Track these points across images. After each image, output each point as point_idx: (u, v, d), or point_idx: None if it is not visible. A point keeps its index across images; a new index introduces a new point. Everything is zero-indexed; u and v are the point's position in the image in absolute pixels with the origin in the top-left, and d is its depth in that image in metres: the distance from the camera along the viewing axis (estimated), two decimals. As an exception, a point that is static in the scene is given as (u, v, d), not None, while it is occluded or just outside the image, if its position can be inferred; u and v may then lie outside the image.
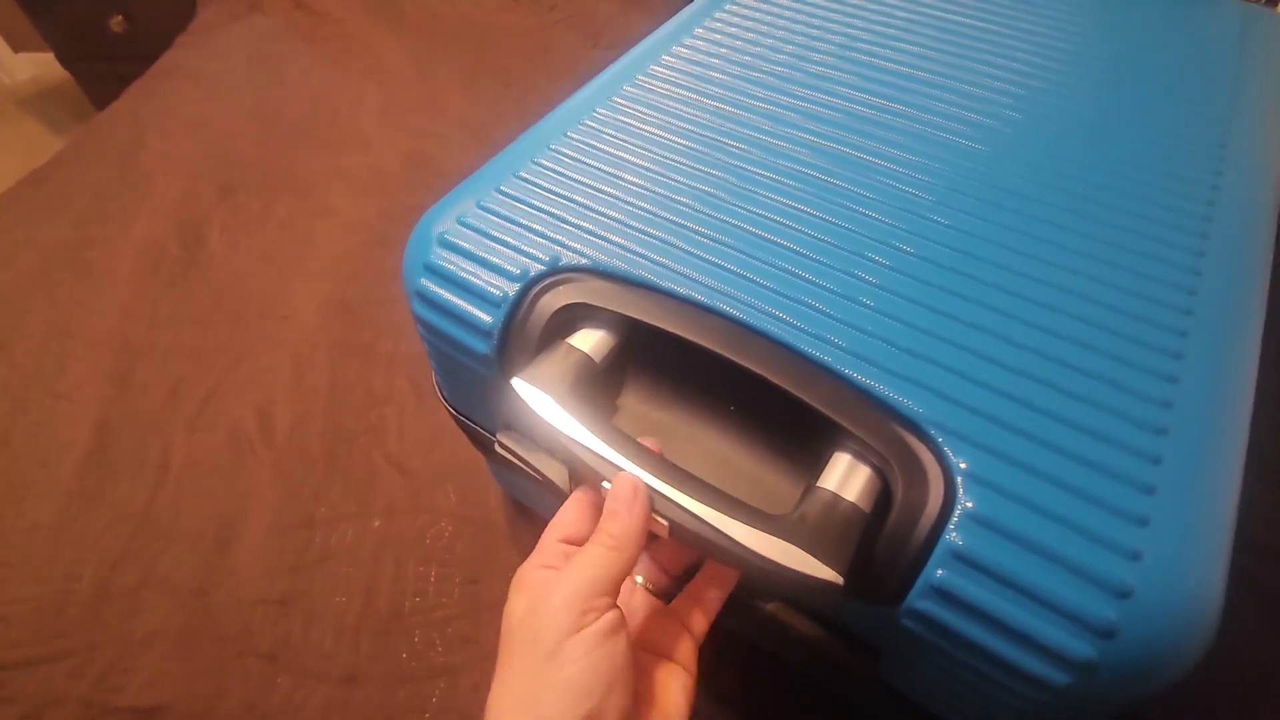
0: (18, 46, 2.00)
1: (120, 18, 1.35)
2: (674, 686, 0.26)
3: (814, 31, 0.45)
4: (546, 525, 0.28)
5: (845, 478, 0.26)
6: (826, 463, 0.27)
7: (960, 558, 0.24)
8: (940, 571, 0.24)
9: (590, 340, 0.31)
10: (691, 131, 0.38)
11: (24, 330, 0.66)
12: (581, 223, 0.34)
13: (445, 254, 0.34)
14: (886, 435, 0.26)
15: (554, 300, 0.32)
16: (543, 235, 0.34)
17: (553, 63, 0.92)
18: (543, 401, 0.28)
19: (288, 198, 0.79)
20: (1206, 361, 0.27)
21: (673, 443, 0.31)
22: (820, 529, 0.25)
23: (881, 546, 0.26)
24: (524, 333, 0.32)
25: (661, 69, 0.42)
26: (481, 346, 0.33)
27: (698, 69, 0.42)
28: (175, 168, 0.83)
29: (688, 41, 0.44)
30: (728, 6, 0.47)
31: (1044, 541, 0.23)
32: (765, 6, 0.47)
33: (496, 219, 0.35)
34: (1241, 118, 0.38)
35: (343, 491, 0.53)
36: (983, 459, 0.25)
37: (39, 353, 0.63)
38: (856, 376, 0.27)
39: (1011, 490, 0.24)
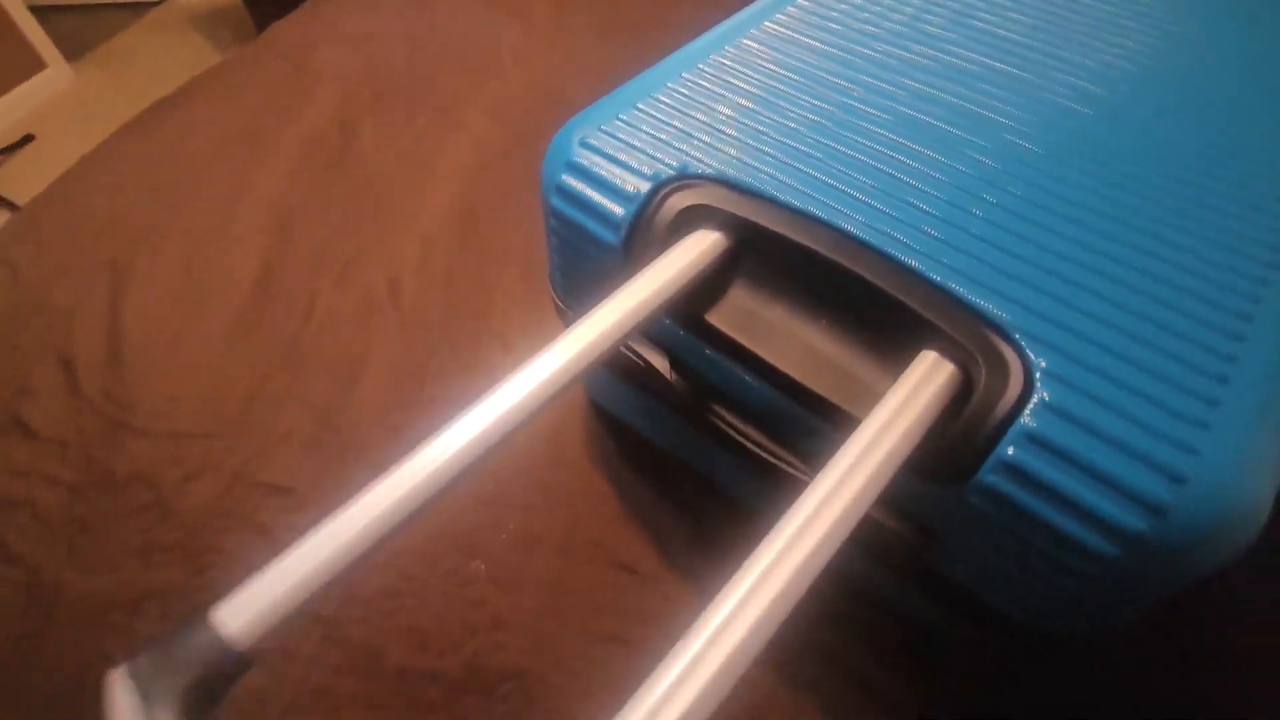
0: (196, -30, 2.09)
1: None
2: None
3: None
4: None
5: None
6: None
7: (1032, 438, 0.24)
8: (1012, 450, 0.25)
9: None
10: (810, 71, 0.38)
11: (204, 188, 0.71)
12: (707, 138, 0.35)
13: (586, 154, 0.35)
14: (976, 335, 0.27)
15: (680, 201, 0.33)
16: (673, 146, 0.35)
17: (678, 23, 0.91)
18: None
19: (428, 111, 0.82)
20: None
21: (774, 340, 0.32)
22: None
23: (957, 432, 0.26)
24: (650, 228, 0.34)
25: (785, 17, 0.43)
26: (611, 237, 0.34)
27: (817, 19, 0.42)
28: (338, 74, 0.87)
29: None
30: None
31: (1109, 430, 0.24)
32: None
33: (632, 129, 0.36)
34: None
35: (453, 354, 0.56)
36: (1060, 360, 0.25)
37: (216, 206, 0.68)
38: (952, 286, 0.28)
39: (1084, 387, 0.25)
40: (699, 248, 0.32)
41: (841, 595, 0.41)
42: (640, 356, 0.37)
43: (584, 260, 0.37)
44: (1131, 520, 0.23)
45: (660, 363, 0.36)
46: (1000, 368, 0.26)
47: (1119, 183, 0.32)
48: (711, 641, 0.21)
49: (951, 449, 0.27)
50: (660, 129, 0.36)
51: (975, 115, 0.36)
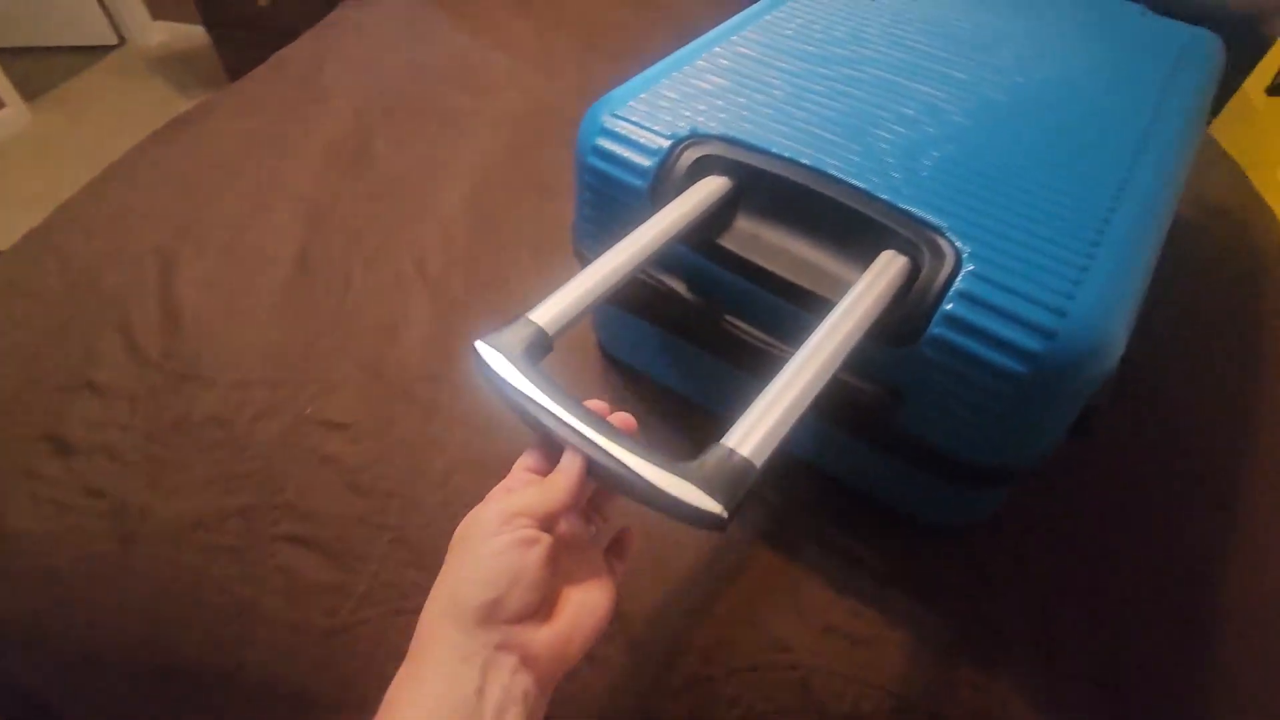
0: (156, 14, 2.04)
1: (268, -5, 1.44)
2: (588, 606, 0.29)
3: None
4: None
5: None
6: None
7: (964, 296, 0.33)
8: (951, 306, 0.33)
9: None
10: (782, 62, 0.48)
11: (236, 185, 0.75)
12: (710, 108, 0.44)
13: (617, 122, 0.43)
14: (921, 235, 0.36)
15: (693, 154, 0.42)
16: (684, 115, 0.43)
17: (651, 49, 1.01)
18: (501, 364, 0.30)
19: (434, 123, 0.88)
20: (1128, 220, 0.37)
21: (770, 253, 0.40)
22: (715, 475, 0.27)
23: (910, 303, 0.35)
24: (670, 176, 0.42)
25: (754, 30, 0.52)
26: (640, 183, 0.42)
27: (778, 32, 0.52)
28: (348, 92, 0.92)
29: (777, 13, 0.54)
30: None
31: (1014, 286, 0.33)
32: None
33: (651, 104, 0.44)
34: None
35: (477, 319, 0.63)
36: (979, 247, 0.35)
37: (251, 199, 0.73)
38: (903, 204, 0.37)
39: (996, 262, 0.34)
40: (708, 189, 0.41)
41: (821, 489, 0.49)
42: (662, 282, 0.44)
43: (614, 207, 0.44)
44: (1032, 344, 0.32)
45: (679, 285, 0.43)
46: (939, 255, 0.35)
47: (1014, 138, 0.42)
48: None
49: (907, 316, 0.35)
50: (673, 104, 0.44)
51: (910, 93, 0.46)
